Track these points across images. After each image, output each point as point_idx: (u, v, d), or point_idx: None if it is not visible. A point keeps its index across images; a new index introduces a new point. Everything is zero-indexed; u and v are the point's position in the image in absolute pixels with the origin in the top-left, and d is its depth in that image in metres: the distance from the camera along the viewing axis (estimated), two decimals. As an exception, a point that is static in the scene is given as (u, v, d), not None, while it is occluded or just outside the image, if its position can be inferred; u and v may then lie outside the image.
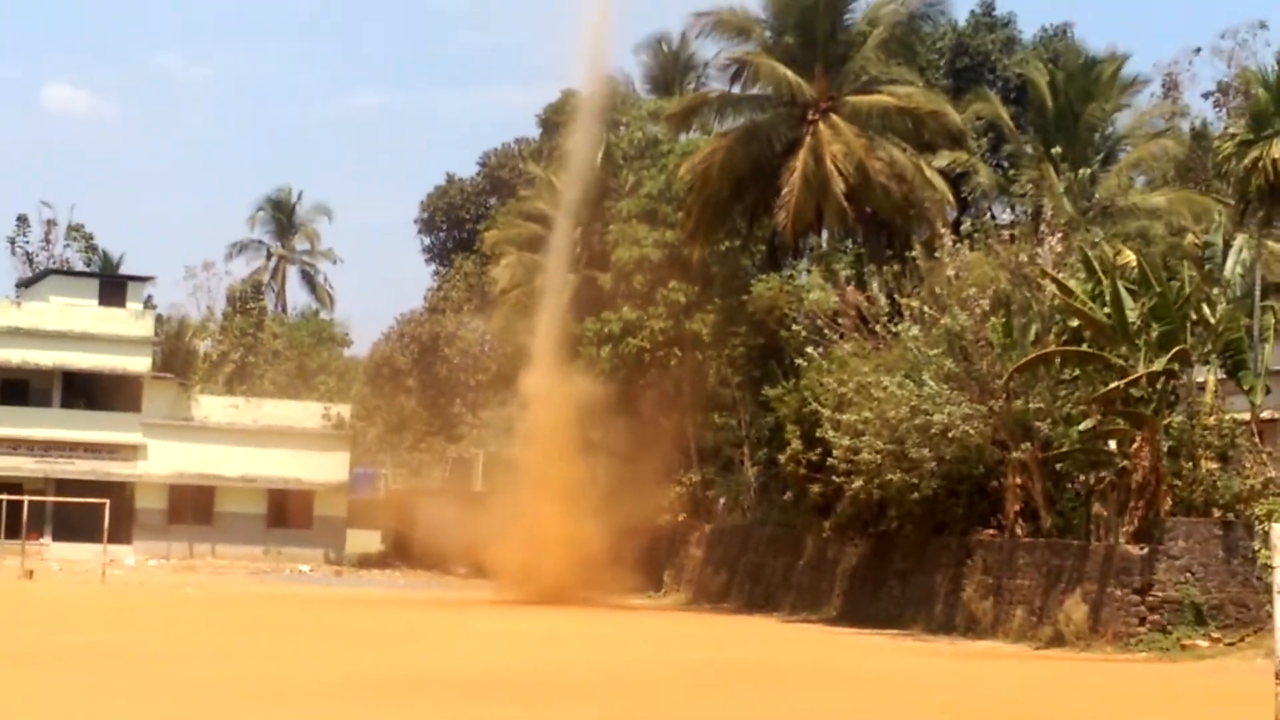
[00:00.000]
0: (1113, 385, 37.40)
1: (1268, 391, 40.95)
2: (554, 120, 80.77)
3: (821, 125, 53.62)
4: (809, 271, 53.14)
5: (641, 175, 62.79)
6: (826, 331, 47.97)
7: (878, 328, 46.01)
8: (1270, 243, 49.47)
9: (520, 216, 74.60)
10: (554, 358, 61.42)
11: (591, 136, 64.92)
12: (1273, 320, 41.90)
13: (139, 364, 78.17)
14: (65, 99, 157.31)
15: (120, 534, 72.46)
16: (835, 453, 44.60)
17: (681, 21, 70.80)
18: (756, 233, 57.26)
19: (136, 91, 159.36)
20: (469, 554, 66.75)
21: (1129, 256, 39.85)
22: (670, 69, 70.03)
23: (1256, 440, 39.44)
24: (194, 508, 78.49)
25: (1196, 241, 48.82)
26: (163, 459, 77.74)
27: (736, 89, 57.07)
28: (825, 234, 55.57)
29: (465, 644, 35.76)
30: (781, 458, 49.69)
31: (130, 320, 78.57)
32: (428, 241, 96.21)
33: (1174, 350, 37.23)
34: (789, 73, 54.01)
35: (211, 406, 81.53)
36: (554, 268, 64.29)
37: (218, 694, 24.57)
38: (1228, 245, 42.08)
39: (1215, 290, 39.60)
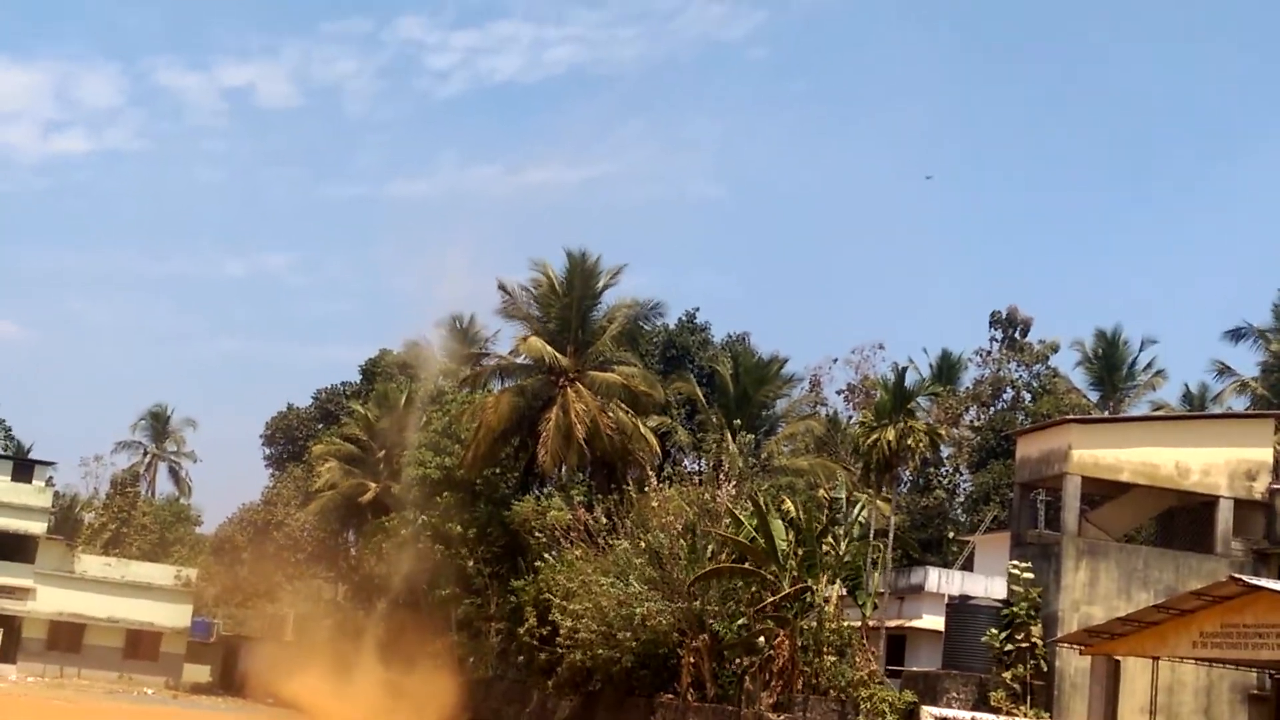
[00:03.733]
0: (768, 601, 37.54)
1: (875, 607, 41.38)
2: (372, 370, 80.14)
3: (570, 390, 53.71)
4: (552, 495, 52.67)
5: (431, 416, 62.28)
6: (562, 540, 47.52)
7: (599, 540, 45.65)
8: (879, 501, 50.39)
9: (340, 438, 73.58)
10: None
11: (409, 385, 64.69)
12: (879, 555, 42.51)
13: (37, 527, 74.58)
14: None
15: (8, 655, 69.00)
16: (561, 631, 44.04)
17: (472, 305, 71.30)
18: (519, 463, 56.71)
19: (51, 325, 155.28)
20: (276, 688, 64.50)
21: (788, 504, 40.20)
22: (461, 338, 69.82)
23: (864, 641, 39.68)
24: (68, 639, 74.55)
25: (826, 494, 49.40)
26: (48, 600, 74.00)
27: (513, 357, 57.26)
28: (565, 468, 55.28)
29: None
30: (520, 630, 48.94)
31: (34, 493, 75.24)
32: (268, 451, 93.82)
33: (809, 573, 37.58)
34: (549, 349, 54.16)
35: (90, 563, 77.97)
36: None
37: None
38: (850, 500, 42.73)
39: (840, 530, 40.07)
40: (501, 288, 56.39)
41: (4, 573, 73.25)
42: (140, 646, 76.42)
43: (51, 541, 76.33)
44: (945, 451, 66.15)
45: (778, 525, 38.25)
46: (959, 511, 67.59)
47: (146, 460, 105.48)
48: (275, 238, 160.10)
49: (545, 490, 54.56)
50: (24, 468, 77.45)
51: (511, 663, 53.61)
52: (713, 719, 39.14)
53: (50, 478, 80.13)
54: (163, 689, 72.78)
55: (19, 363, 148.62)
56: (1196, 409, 58.66)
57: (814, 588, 38.23)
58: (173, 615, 77.10)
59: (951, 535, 63.79)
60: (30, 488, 75.24)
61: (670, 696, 41.77)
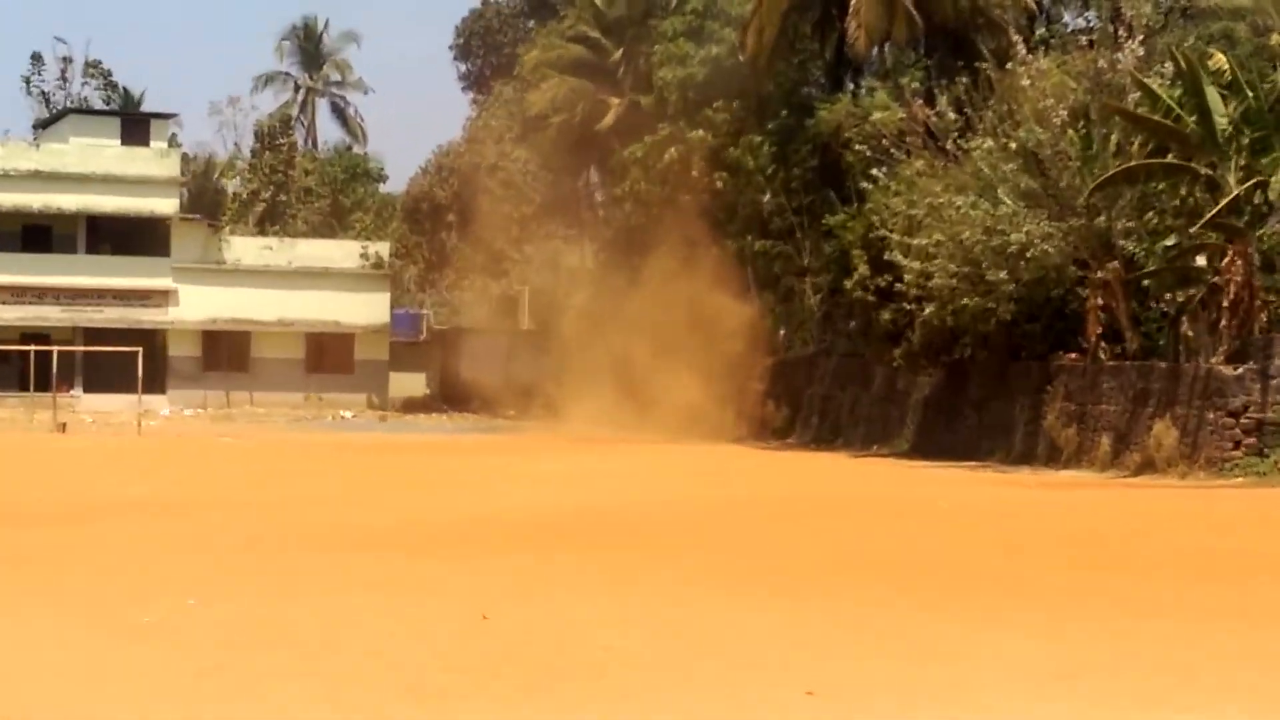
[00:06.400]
0: (1200, 196, 37.07)
1: (1367, 200, 40.46)
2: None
3: (889, -72, 52.90)
4: (875, 89, 52.32)
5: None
6: (894, 152, 47.43)
7: (948, 145, 45.34)
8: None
9: (561, 38, 74.07)
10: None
11: None
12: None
13: (166, 205, 78.05)
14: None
15: (154, 384, 72.55)
16: (905, 278, 44.28)
17: None
18: (824, 48, 56.31)
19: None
20: (518, 394, 66.79)
21: (1219, 60, 39.06)
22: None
23: (1355, 252, 39.04)
24: (229, 354, 78.69)
25: (1283, 40, 48.01)
26: (195, 304, 77.82)
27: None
28: (891, 46, 54.74)
29: (528, 486, 35.51)
30: (847, 284, 49.40)
31: (155, 160, 78.37)
32: (464, 68, 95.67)
33: (1266, 161, 36.83)
34: None
35: (244, 248, 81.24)
36: None
37: (270, 545, 24.27)
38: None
39: (1310, 93, 38.98)
40: None
41: (132, 271, 77.07)
42: (326, 355, 79.91)
43: (188, 224, 79.61)
44: None
45: (1213, 95, 37.33)
46: None
47: (300, 98, 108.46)
48: None
49: (864, 83, 54.31)
50: (136, 125, 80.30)
51: (840, 331, 54.51)
52: (1141, 381, 39.18)
53: (174, 136, 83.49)
54: (365, 409, 76.32)
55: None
56: None
57: (1274, 182, 37.52)
58: (365, 308, 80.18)
59: None
60: (148, 151, 78.22)
61: (1074, 356, 42.01)
